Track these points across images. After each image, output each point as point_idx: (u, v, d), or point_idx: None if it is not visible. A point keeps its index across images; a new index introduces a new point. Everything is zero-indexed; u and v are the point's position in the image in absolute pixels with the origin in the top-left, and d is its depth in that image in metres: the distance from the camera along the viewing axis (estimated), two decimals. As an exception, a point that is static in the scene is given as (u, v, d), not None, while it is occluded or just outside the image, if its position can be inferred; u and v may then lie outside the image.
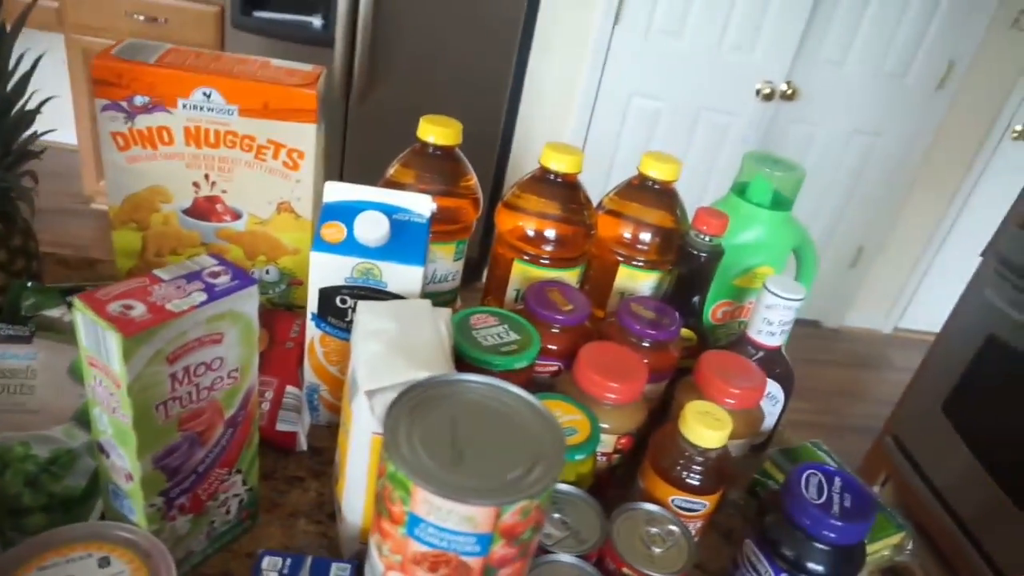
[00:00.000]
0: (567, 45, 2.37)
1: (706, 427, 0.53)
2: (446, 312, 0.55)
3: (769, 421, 0.73)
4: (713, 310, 0.79)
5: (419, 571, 0.36)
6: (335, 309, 0.59)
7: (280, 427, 0.61)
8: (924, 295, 3.00)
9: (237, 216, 0.69)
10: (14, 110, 0.57)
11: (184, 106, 0.62)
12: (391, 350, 0.48)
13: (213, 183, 0.66)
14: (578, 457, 0.53)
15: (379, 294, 0.58)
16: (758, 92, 2.43)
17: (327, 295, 0.58)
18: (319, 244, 0.56)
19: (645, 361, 0.61)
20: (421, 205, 0.61)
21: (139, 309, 0.40)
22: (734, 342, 0.71)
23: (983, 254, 1.73)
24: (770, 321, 0.67)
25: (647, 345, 0.65)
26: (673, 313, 0.67)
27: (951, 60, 2.49)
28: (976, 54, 2.49)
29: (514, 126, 2.48)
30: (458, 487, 0.33)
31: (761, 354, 0.69)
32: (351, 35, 2.09)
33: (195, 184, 0.66)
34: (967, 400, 1.71)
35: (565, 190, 0.71)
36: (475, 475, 0.35)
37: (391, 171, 0.71)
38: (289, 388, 0.63)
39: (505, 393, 0.40)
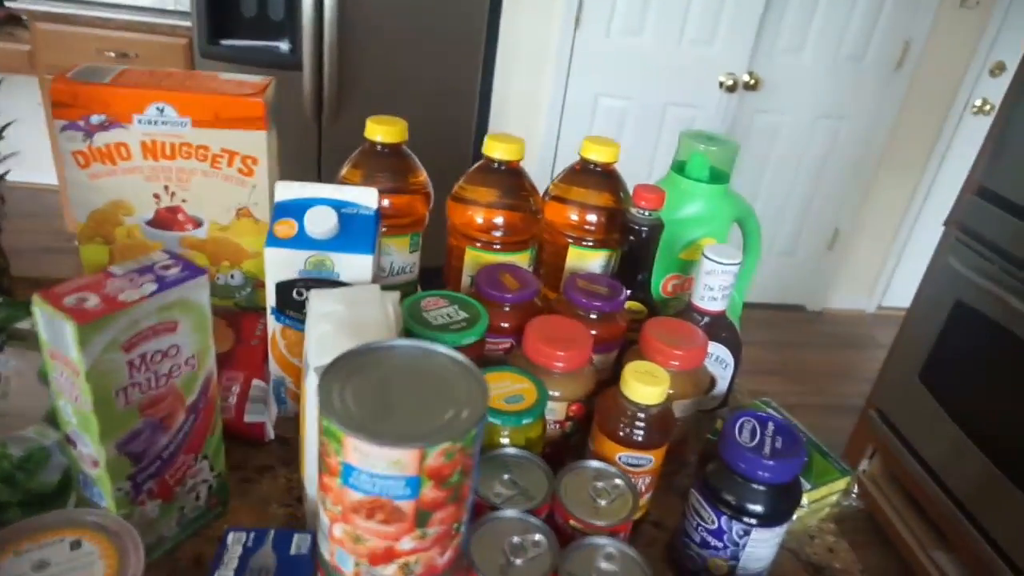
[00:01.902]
0: (531, 53, 2.42)
1: (644, 384, 0.56)
2: (394, 295, 0.58)
3: (722, 385, 0.76)
4: (663, 284, 0.83)
5: (358, 519, 0.39)
6: (292, 302, 0.62)
7: (248, 418, 0.64)
8: (904, 272, 3.05)
9: (198, 224, 0.72)
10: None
11: (139, 121, 0.66)
12: (339, 329, 0.52)
13: (172, 194, 0.70)
14: (525, 421, 0.56)
15: (333, 284, 0.61)
16: (721, 84, 2.48)
17: (284, 288, 0.61)
18: (272, 240, 0.60)
19: (593, 332, 0.64)
20: (368, 198, 0.65)
21: (93, 300, 0.43)
22: (681, 311, 0.74)
23: (945, 223, 1.77)
24: (711, 287, 0.70)
25: (595, 317, 0.68)
26: (618, 285, 0.70)
27: (907, 40, 2.55)
28: (930, 33, 2.55)
29: (484, 136, 2.52)
30: (384, 433, 0.36)
31: (707, 320, 0.72)
32: (318, 57, 2.13)
33: (155, 196, 0.70)
34: (942, 367, 1.74)
35: (509, 178, 0.74)
36: (402, 423, 0.38)
37: (343, 171, 0.75)
38: (255, 381, 0.66)
39: (433, 354, 0.43)
